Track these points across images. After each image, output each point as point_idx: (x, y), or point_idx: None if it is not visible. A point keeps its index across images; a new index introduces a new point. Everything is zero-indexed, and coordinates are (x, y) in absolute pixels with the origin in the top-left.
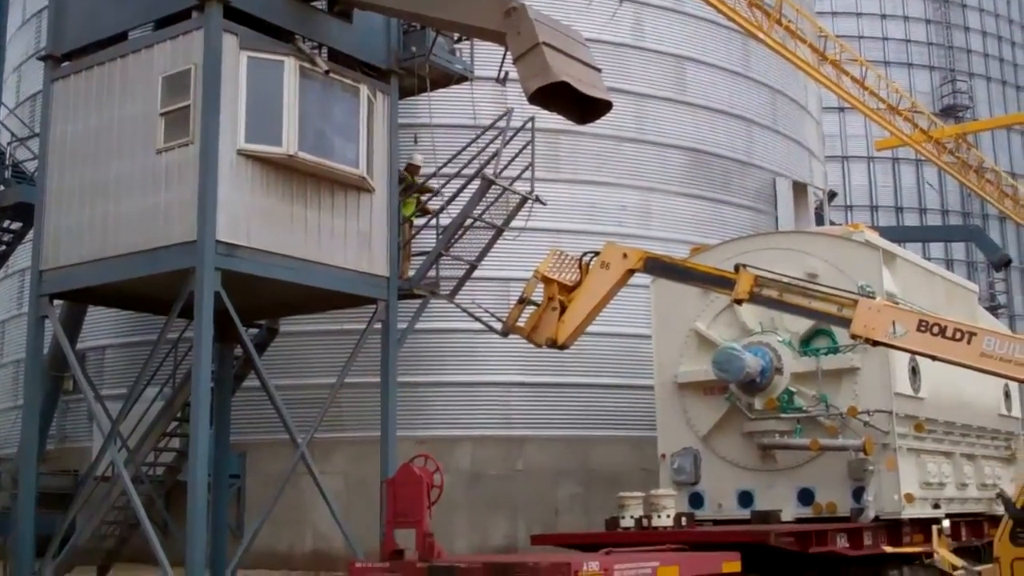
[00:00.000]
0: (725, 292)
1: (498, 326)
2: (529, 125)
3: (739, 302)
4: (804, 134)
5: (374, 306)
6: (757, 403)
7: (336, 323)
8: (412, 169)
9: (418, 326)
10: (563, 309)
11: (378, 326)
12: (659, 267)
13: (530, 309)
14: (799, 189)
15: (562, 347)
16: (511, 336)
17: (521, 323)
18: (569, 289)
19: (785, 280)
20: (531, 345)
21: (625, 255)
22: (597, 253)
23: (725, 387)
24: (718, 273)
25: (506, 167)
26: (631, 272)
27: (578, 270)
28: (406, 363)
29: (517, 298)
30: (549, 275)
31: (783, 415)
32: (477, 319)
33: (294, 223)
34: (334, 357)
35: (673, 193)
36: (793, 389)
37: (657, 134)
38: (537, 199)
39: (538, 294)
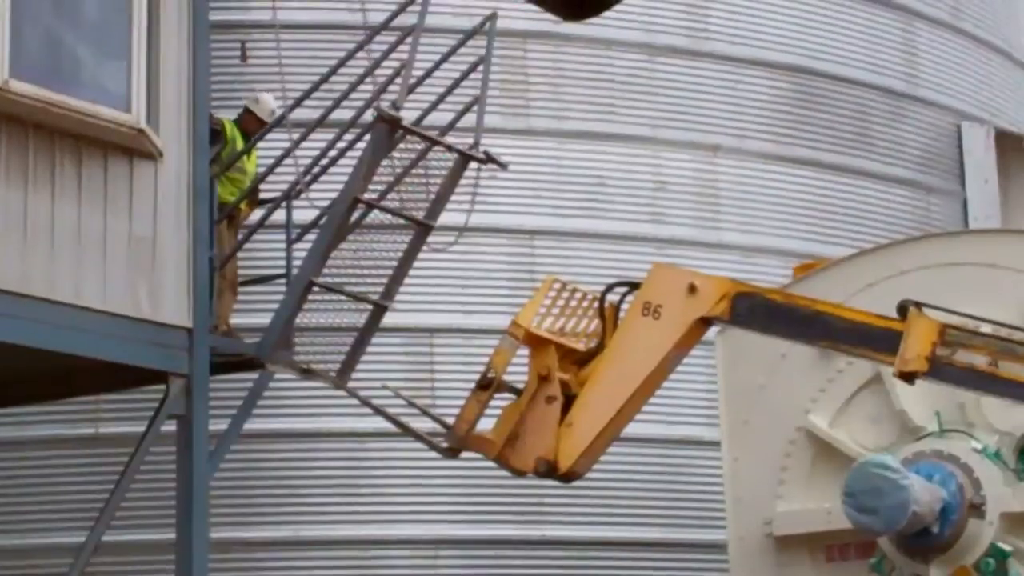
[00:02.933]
0: (882, 359)
1: (434, 428)
2: (487, 27)
3: (909, 377)
4: (1017, 37)
5: (162, 388)
6: (936, 575)
7: (86, 424)
8: (249, 121)
9: (252, 427)
10: (569, 401)
11: (171, 428)
12: (761, 312)
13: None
14: (1008, 144)
15: (568, 477)
16: (466, 454)
17: (486, 428)
18: (580, 359)
19: (987, 331)
20: (495, 467)
21: (693, 288)
22: (635, 285)
23: (870, 544)
24: (873, 322)
25: (434, 108)
26: (706, 323)
27: (597, 319)
28: (229, 504)
29: (476, 382)
30: (539, 332)
31: None
32: (397, 425)
33: (2, 222)
34: (83, 492)
35: (757, 155)
36: (1006, 548)
37: (726, 38)
38: (489, 158)
39: (517, 367)
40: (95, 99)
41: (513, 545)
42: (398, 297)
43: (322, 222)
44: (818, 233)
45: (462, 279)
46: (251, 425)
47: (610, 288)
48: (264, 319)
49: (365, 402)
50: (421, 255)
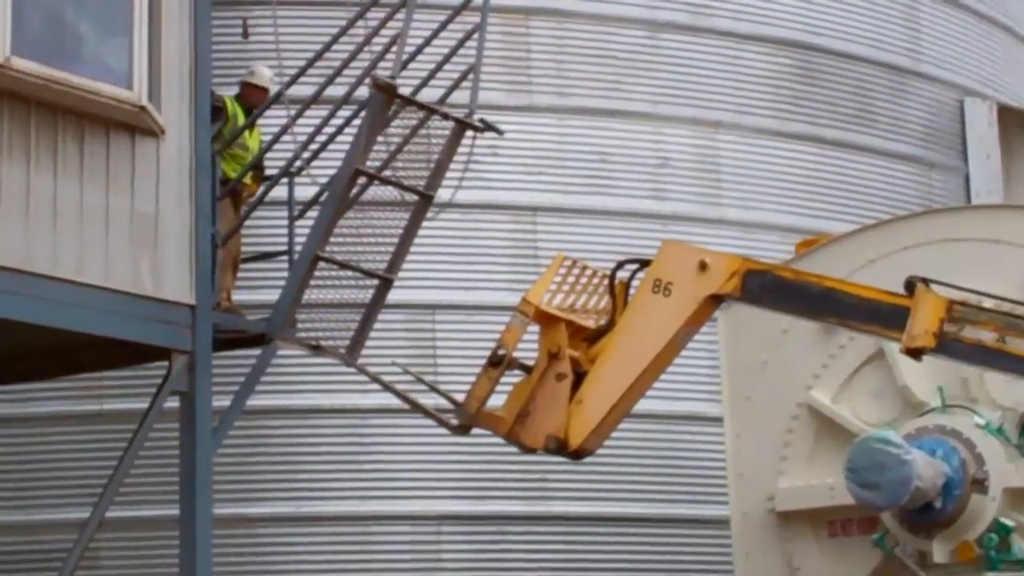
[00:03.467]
0: (892, 335)
1: (439, 404)
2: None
3: (916, 353)
4: (1020, 12)
5: (165, 365)
6: (938, 551)
7: (90, 401)
8: (250, 94)
9: (255, 404)
10: (579, 378)
11: (175, 405)
12: (771, 288)
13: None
14: (1011, 120)
15: (578, 454)
16: (475, 432)
17: (496, 406)
18: (590, 337)
19: (989, 306)
20: (498, 443)
21: (703, 265)
22: (644, 263)
23: (873, 520)
24: (882, 298)
25: (431, 78)
26: (716, 300)
27: (607, 296)
28: (232, 480)
29: (486, 359)
30: (549, 309)
31: (991, 575)
32: (408, 402)
33: (1, 199)
34: (87, 469)
35: (758, 131)
36: (1009, 523)
37: (728, 14)
38: (486, 126)
39: (527, 344)
40: (97, 76)
41: (516, 521)
42: (400, 274)
43: (323, 198)
44: (820, 209)
45: (464, 256)
46: (254, 401)
47: (620, 265)
48: (265, 296)
49: (375, 378)
50: (423, 232)
